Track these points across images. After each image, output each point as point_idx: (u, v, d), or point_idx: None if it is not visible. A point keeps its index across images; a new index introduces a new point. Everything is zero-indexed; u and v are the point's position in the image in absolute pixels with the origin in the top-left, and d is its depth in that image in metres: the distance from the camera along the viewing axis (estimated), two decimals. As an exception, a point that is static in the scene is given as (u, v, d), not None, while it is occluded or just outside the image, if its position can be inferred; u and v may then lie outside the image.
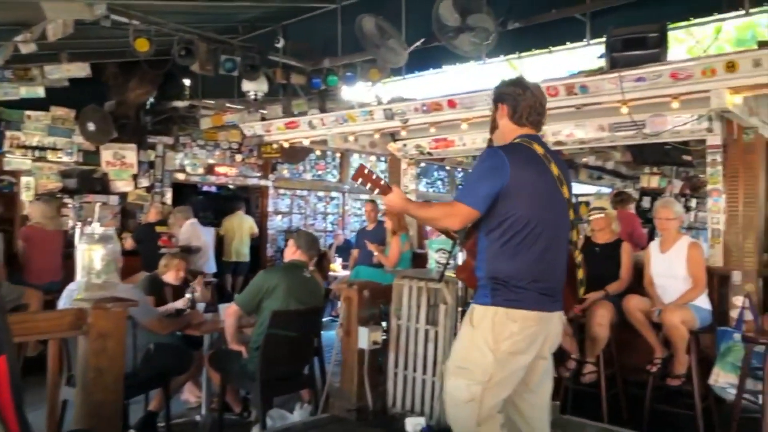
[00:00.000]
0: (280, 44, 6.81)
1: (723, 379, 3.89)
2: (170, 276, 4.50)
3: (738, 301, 4.22)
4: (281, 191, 10.89)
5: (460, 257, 3.07)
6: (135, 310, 3.55)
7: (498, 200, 2.23)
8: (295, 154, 8.66)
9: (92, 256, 2.52)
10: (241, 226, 9.47)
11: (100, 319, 2.56)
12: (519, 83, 2.41)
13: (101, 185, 8.37)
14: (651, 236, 6.31)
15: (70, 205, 8.02)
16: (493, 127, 2.48)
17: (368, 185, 2.45)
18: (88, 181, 8.14)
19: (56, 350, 2.69)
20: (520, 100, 2.36)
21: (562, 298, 2.37)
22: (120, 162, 8.53)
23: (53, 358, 2.69)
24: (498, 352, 2.24)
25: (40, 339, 3.40)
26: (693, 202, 8.55)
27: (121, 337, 2.62)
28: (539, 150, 2.32)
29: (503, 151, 2.26)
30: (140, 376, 3.63)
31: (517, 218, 2.24)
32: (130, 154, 8.58)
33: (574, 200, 2.46)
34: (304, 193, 11.32)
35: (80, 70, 6.48)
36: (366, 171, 2.43)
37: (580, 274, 2.46)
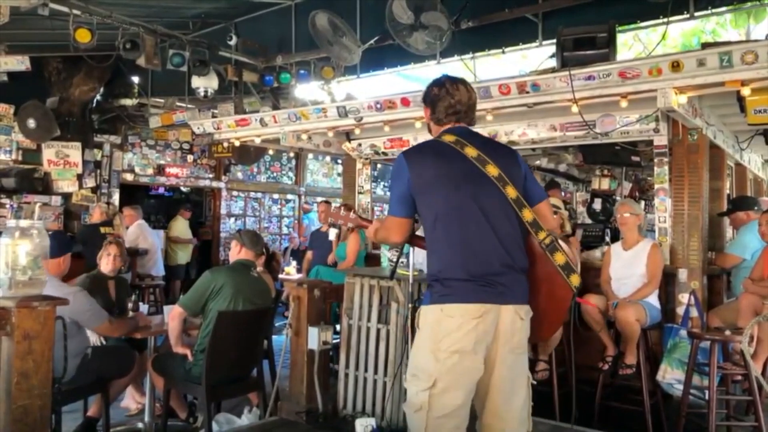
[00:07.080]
0: (233, 41, 6.69)
1: (670, 375, 3.96)
2: (106, 265, 4.09)
3: (684, 298, 4.32)
4: (234, 193, 10.68)
5: (412, 255, 3.02)
6: (84, 316, 3.43)
7: (416, 201, 2.24)
8: (248, 154, 8.49)
9: (17, 252, 2.35)
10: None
11: (26, 318, 2.39)
12: (437, 83, 2.39)
13: (42, 185, 8.02)
14: (602, 237, 6.39)
15: (7, 206, 7.67)
16: (429, 127, 2.49)
17: (339, 221, 2.70)
18: (27, 180, 7.79)
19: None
20: (437, 101, 2.35)
21: (517, 288, 2.16)
22: (63, 161, 8.19)
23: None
24: (438, 352, 2.08)
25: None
26: (642, 205, 8.73)
27: (49, 337, 2.44)
28: (449, 139, 2.26)
29: (403, 154, 2.30)
30: (77, 381, 3.44)
31: (428, 211, 2.21)
32: (75, 153, 8.24)
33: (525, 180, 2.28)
34: (259, 195, 11.13)
35: (19, 63, 6.21)
36: (332, 209, 2.71)
37: (559, 258, 2.16)
